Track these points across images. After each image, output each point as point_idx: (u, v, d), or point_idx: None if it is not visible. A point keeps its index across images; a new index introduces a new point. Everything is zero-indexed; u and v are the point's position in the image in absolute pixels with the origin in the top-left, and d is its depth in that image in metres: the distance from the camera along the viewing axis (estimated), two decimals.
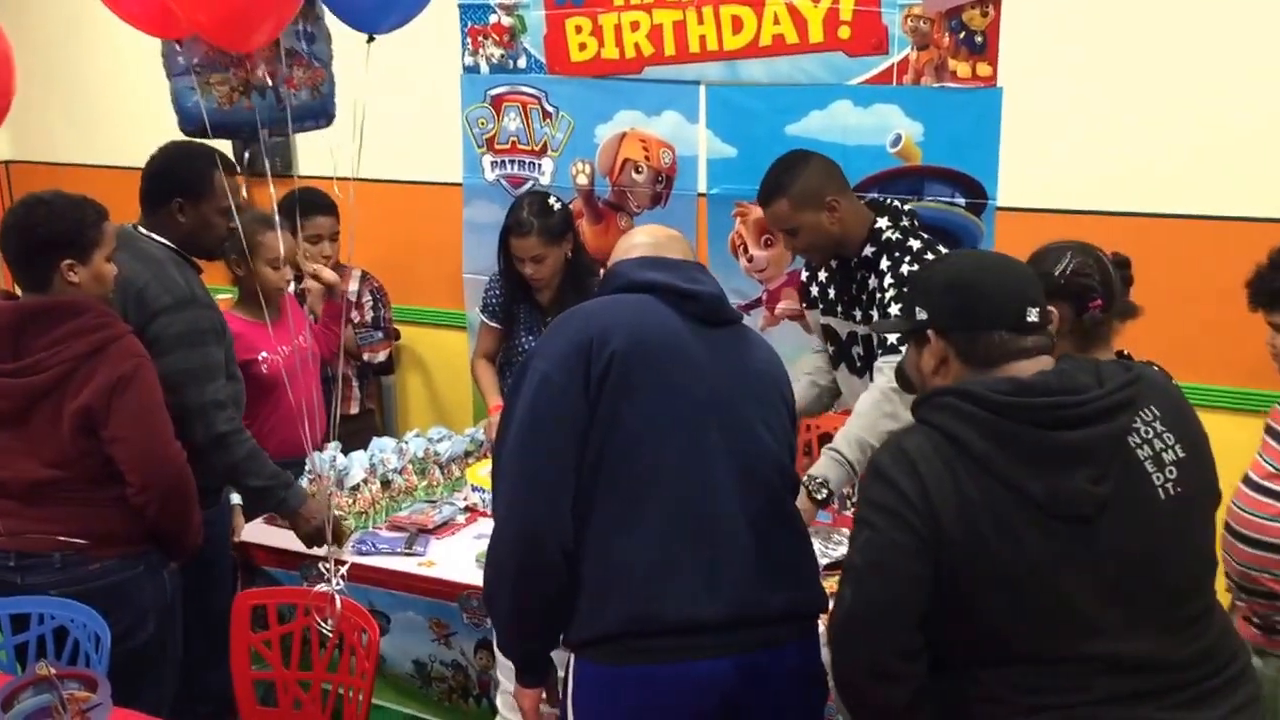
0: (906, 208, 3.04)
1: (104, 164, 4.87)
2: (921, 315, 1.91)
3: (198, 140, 2.76)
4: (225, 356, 3.00)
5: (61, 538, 2.64)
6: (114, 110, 4.99)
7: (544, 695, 2.23)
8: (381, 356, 4.13)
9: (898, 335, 2.70)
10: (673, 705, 2.04)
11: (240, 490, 3.20)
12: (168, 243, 2.95)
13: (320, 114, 2.79)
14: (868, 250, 2.96)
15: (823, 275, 3.15)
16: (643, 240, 2.34)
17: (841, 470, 2.76)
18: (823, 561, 2.58)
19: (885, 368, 2.80)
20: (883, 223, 2.97)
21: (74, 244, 2.61)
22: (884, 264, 2.92)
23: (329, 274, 3.65)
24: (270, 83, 2.55)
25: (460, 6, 4.17)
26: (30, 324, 2.60)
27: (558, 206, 3.66)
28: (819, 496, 2.73)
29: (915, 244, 2.91)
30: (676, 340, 2.13)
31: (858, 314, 3.05)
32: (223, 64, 2.50)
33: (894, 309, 2.86)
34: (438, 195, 4.42)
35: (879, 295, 2.91)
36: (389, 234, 4.37)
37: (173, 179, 2.94)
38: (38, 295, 2.63)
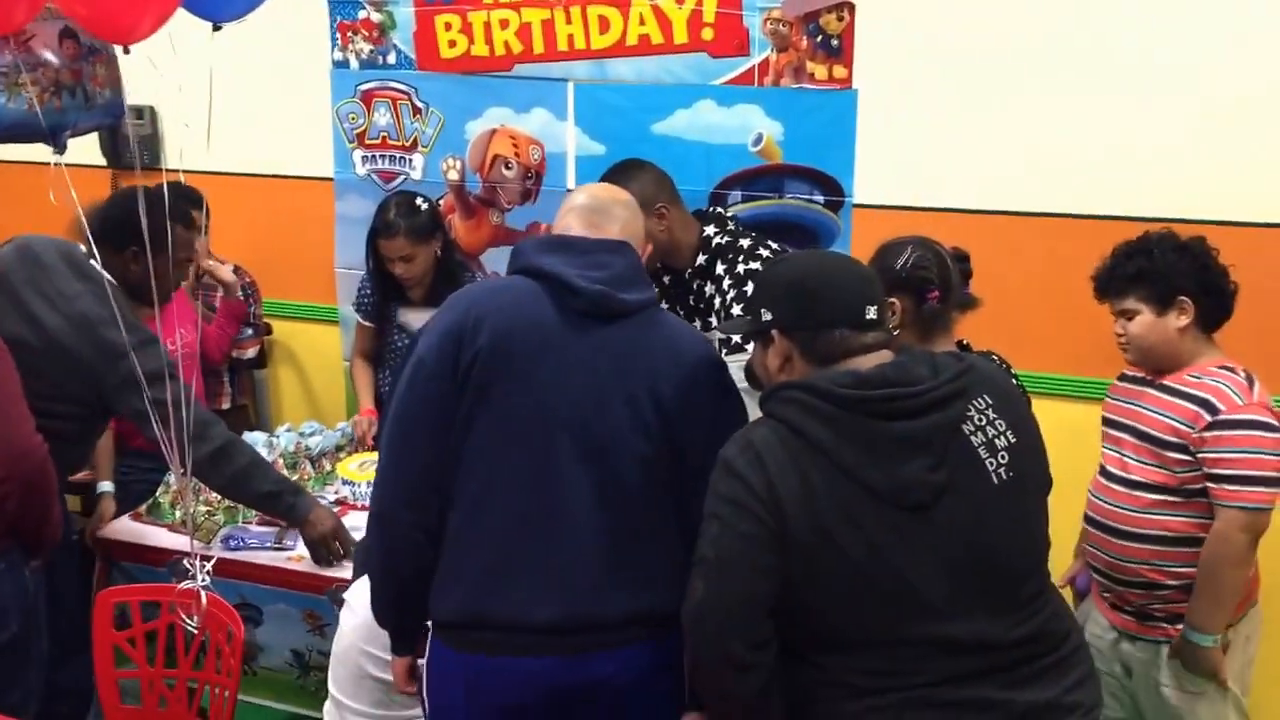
0: (730, 213, 3.15)
1: None
2: (766, 316, 2.02)
3: (152, 187, 2.81)
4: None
5: None
6: None
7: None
8: (251, 353, 4.13)
9: (742, 335, 2.82)
10: (498, 693, 2.13)
11: (245, 498, 3.14)
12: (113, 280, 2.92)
13: (118, 110, 2.81)
14: (700, 259, 3.07)
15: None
16: (578, 204, 2.33)
17: None
18: None
19: (731, 367, 2.92)
20: (710, 230, 3.09)
21: None
22: (719, 268, 3.03)
23: (227, 273, 3.66)
24: (78, 81, 2.55)
25: (329, 2, 4.17)
26: None
27: (424, 206, 3.72)
28: None
29: (745, 242, 3.04)
30: (546, 339, 2.14)
31: (697, 323, 3.14)
32: (30, 64, 2.49)
33: (736, 309, 2.98)
34: (309, 190, 4.42)
35: (719, 299, 3.01)
36: (261, 227, 4.37)
37: (131, 228, 2.78)
38: None
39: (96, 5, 2.36)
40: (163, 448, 2.73)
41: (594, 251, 2.21)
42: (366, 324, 3.86)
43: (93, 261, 2.92)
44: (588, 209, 2.30)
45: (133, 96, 3.76)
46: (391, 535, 2.17)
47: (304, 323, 4.60)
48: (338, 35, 4.20)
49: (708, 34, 3.73)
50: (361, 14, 4.14)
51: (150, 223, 2.75)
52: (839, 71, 3.63)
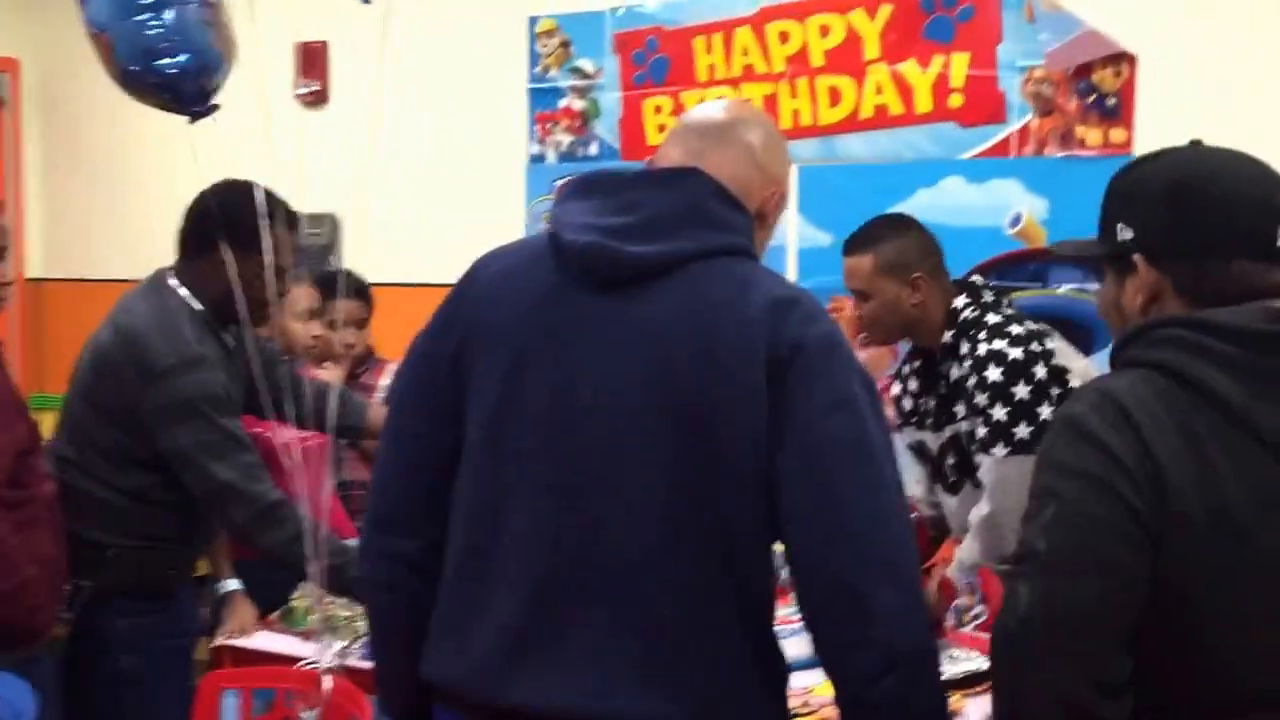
0: (992, 283, 2.60)
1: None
2: (1126, 234, 1.40)
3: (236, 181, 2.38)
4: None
5: None
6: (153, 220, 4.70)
7: None
8: None
9: (1003, 427, 2.30)
10: None
11: (298, 572, 2.43)
12: (194, 301, 2.42)
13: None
14: (947, 336, 2.50)
15: (913, 383, 2.68)
16: (687, 122, 1.69)
17: None
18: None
19: (993, 467, 2.37)
20: (959, 301, 2.51)
21: None
22: (963, 347, 2.45)
23: (325, 373, 3.22)
24: None
25: (530, 92, 3.86)
26: None
27: None
28: None
29: (993, 318, 2.44)
30: (521, 318, 1.52)
31: (944, 417, 2.55)
32: None
33: (980, 398, 2.39)
34: None
35: (964, 385, 2.43)
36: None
37: (216, 223, 2.33)
38: None
39: None
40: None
41: (627, 188, 1.53)
42: None
43: (172, 280, 2.45)
44: (697, 129, 1.62)
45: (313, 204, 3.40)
46: (365, 552, 1.65)
47: None
48: (535, 128, 3.86)
49: (956, 100, 3.23)
50: (562, 102, 3.81)
51: (242, 219, 2.26)
52: (1116, 135, 3.08)
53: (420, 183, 4.03)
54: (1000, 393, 2.36)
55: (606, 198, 1.53)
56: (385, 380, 3.52)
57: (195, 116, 2.21)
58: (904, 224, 2.61)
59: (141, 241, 4.62)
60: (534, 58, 3.85)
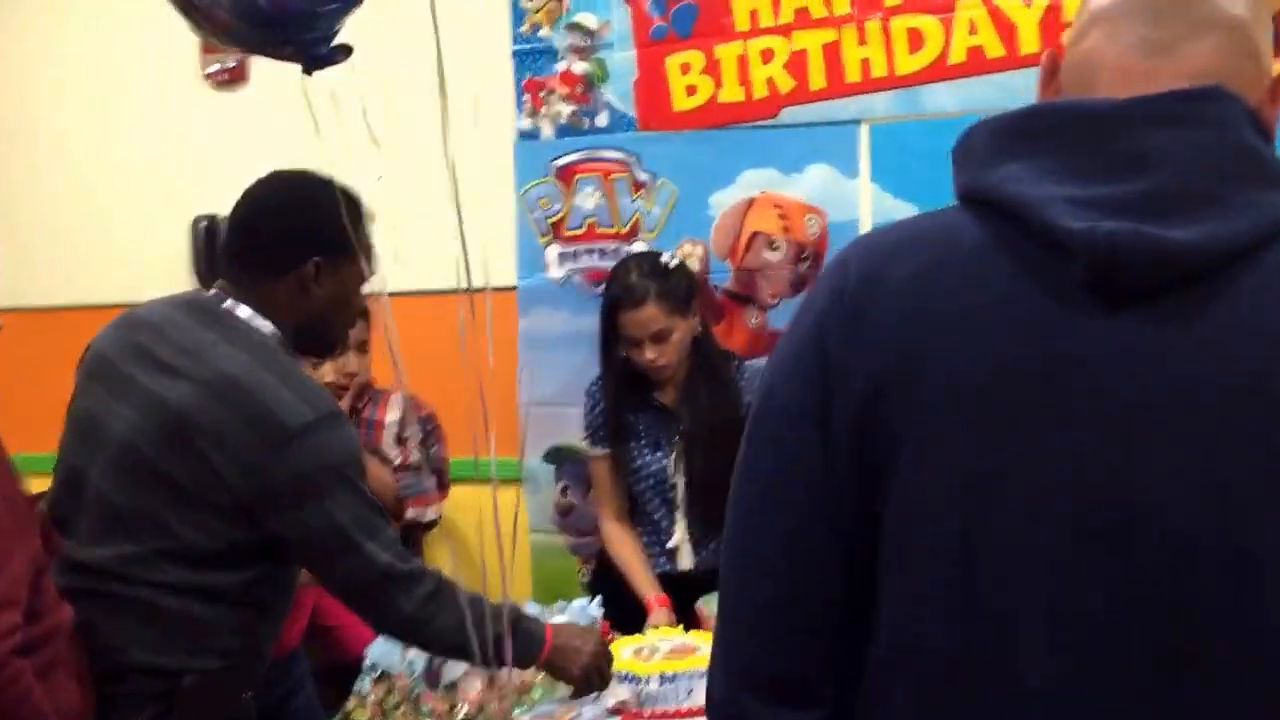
0: None
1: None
2: None
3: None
4: None
5: None
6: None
7: None
8: (433, 513, 2.91)
9: None
10: None
11: (464, 654, 1.78)
12: (268, 328, 1.77)
13: None
14: None
15: None
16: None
17: None
18: None
19: None
20: None
21: None
22: None
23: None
24: None
25: (516, 55, 3.18)
26: None
27: (675, 264, 2.64)
28: None
29: None
30: (1018, 356, 0.93)
31: None
32: None
33: None
34: (479, 305, 3.31)
35: None
36: (415, 357, 3.23)
37: (312, 230, 1.77)
38: None
39: None
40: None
41: (1115, 130, 0.94)
42: (601, 453, 2.70)
43: (229, 303, 1.75)
44: (1148, 4, 0.99)
45: None
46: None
47: (469, 484, 3.41)
48: (524, 97, 3.19)
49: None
50: (559, 65, 3.15)
51: (333, 221, 1.64)
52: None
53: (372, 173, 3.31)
54: None
55: (1079, 150, 0.94)
56: (391, 415, 2.82)
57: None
58: None
59: None
60: (518, 14, 3.18)
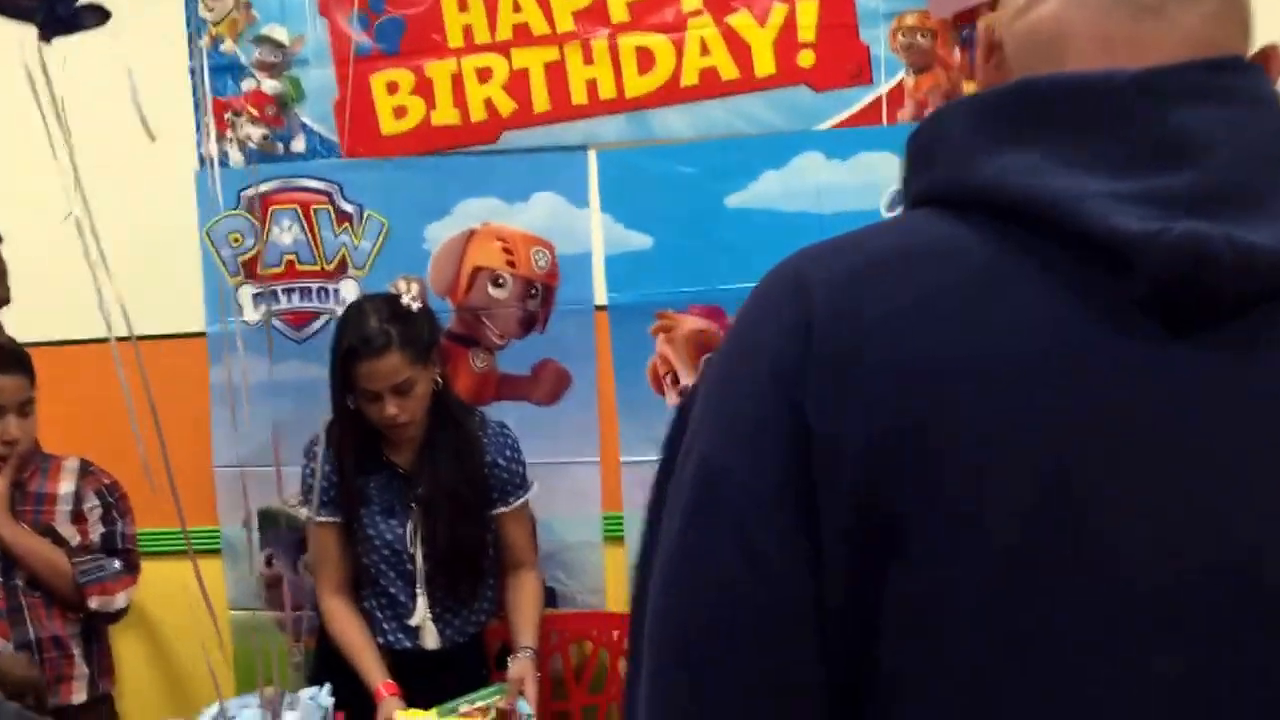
0: None
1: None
2: None
3: None
4: None
5: None
6: None
7: None
8: (122, 600, 2.47)
9: None
10: None
11: None
12: None
13: None
14: None
15: None
16: None
17: None
18: None
19: None
20: None
21: None
22: None
23: None
24: None
25: (191, 71, 2.79)
26: None
27: (417, 306, 2.36)
28: None
29: None
30: (1048, 392, 0.71)
31: None
32: None
33: None
34: (164, 354, 2.87)
35: None
36: (88, 417, 2.77)
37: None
38: None
39: None
40: None
41: (1147, 105, 0.73)
42: (330, 521, 2.36)
43: None
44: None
45: None
46: None
47: (158, 558, 2.95)
48: (206, 119, 2.80)
49: (807, 59, 2.60)
50: (247, 84, 2.78)
51: None
52: None
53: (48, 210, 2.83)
54: None
55: (1101, 131, 0.73)
56: (65, 486, 2.38)
57: None
58: None
59: None
60: (198, 25, 2.80)
